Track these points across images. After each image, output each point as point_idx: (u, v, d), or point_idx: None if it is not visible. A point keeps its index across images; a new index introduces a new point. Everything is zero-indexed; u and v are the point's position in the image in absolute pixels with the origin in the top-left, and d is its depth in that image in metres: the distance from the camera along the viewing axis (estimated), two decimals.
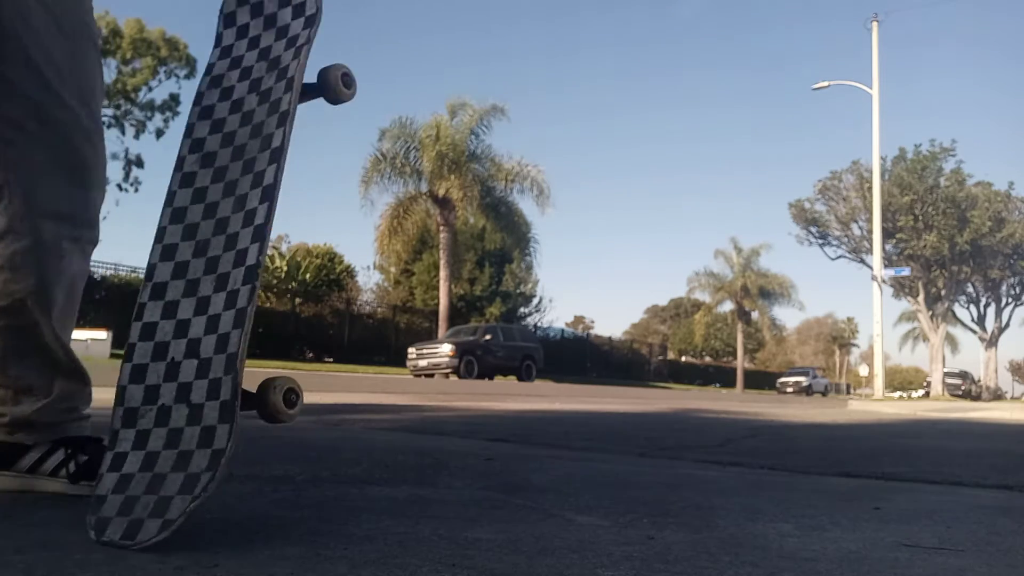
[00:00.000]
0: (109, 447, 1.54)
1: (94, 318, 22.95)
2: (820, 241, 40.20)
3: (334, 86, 1.70)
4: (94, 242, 1.94)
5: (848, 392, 68.52)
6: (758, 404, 13.26)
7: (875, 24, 26.44)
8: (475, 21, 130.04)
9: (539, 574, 1.39)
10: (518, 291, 39.06)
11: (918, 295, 38.41)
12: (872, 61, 26.26)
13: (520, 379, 26.28)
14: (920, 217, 35.03)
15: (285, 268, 33.77)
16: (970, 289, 42.83)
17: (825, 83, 28.32)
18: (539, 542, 1.63)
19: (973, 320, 45.15)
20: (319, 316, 30.95)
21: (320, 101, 1.72)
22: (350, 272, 36.91)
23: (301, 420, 5.05)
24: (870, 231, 30.15)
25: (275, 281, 32.69)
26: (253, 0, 1.82)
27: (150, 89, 44.08)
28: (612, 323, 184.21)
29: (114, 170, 53.89)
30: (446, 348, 25.23)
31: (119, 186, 45.16)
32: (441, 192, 30.92)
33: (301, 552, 1.45)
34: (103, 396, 5.26)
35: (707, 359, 68.39)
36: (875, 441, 5.64)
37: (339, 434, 4.12)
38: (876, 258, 26.38)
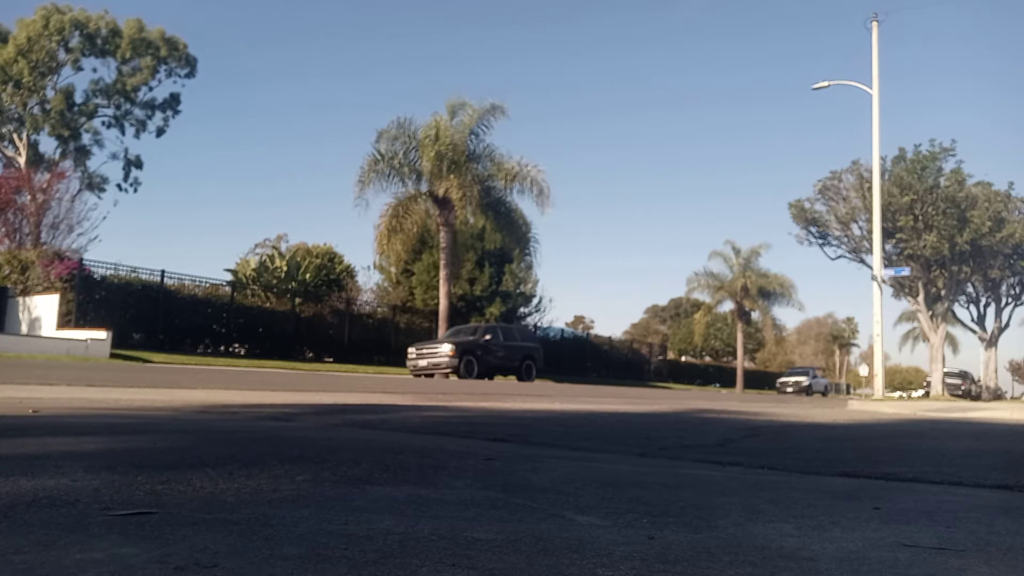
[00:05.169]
0: None
1: (94, 318, 22.95)
2: (820, 241, 40.21)
3: None
4: None
5: (848, 392, 68.56)
6: (758, 404, 13.25)
7: (875, 24, 26.40)
8: (476, 21, 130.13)
9: (539, 574, 1.39)
10: (518, 291, 39.00)
11: (918, 295, 38.39)
12: (872, 61, 26.26)
13: (520, 379, 26.27)
14: (920, 217, 35.00)
15: (285, 268, 33.68)
16: (970, 289, 42.81)
17: (825, 83, 28.33)
18: (539, 542, 1.62)
19: (973, 320, 45.18)
20: (319, 316, 30.89)
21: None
22: (350, 272, 36.82)
23: (301, 420, 5.05)
24: (870, 231, 30.11)
25: (275, 281, 32.62)
26: None
27: (150, 89, 44.16)
28: (612, 323, 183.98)
29: (114, 170, 53.96)
30: (446, 348, 25.21)
31: (119, 186, 45.17)
32: (441, 192, 30.88)
33: (301, 552, 1.45)
34: (102, 396, 5.23)
35: (707, 359, 68.39)
36: (875, 441, 5.64)
37: (339, 434, 4.12)
38: (876, 258, 26.37)
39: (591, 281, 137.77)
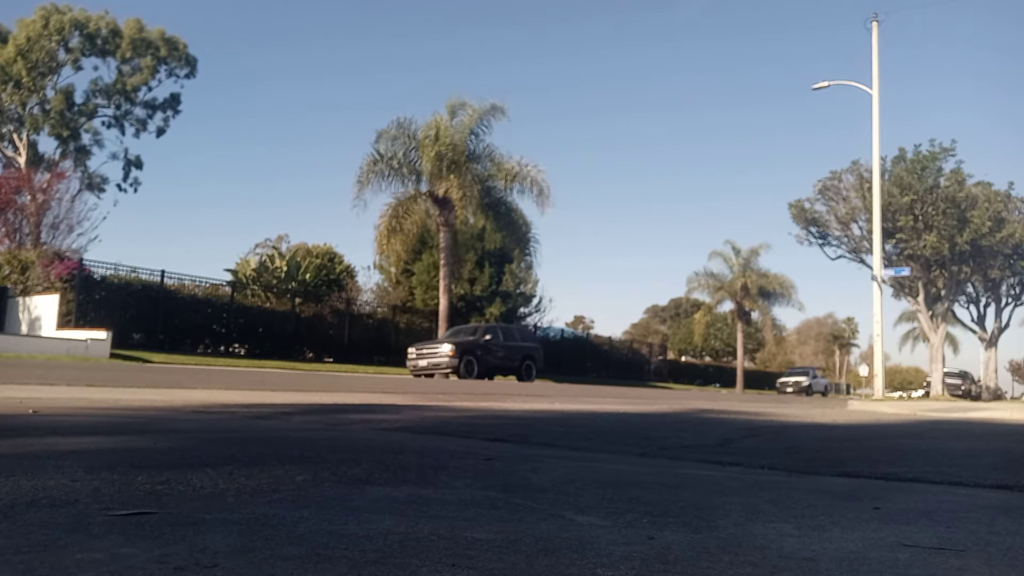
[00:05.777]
0: None
1: (94, 318, 22.95)
2: (820, 241, 40.17)
3: None
4: None
5: (848, 392, 68.55)
6: (758, 404, 13.25)
7: (875, 24, 26.39)
8: (476, 21, 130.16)
9: (539, 574, 1.39)
10: (518, 291, 38.99)
11: (918, 295, 38.37)
12: (872, 61, 26.25)
13: (520, 379, 26.26)
14: (920, 217, 34.98)
15: (285, 268, 33.69)
16: (970, 289, 42.79)
17: (825, 83, 28.33)
18: (539, 542, 1.62)
19: (973, 320, 45.15)
20: (319, 316, 30.90)
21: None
22: (350, 272, 36.81)
23: (301, 420, 5.05)
24: (870, 231, 30.10)
25: (275, 281, 32.63)
26: None
27: (150, 89, 44.15)
28: (612, 323, 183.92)
29: (114, 170, 53.95)
30: (446, 348, 25.21)
31: (118, 186, 45.15)
32: (441, 192, 30.89)
33: (301, 552, 1.45)
34: (102, 396, 5.24)
35: (707, 359, 68.38)
36: (875, 441, 5.64)
37: (339, 434, 4.12)
38: (876, 258, 26.37)
39: (591, 281, 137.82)
